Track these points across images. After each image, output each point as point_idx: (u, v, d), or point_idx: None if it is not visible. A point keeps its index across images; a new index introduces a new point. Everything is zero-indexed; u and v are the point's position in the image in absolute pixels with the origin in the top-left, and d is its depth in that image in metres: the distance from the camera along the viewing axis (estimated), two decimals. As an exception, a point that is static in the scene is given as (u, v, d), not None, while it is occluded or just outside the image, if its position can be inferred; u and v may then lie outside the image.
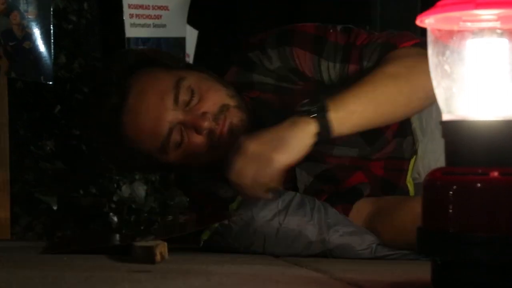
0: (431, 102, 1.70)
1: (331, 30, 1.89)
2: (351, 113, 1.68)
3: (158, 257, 1.48)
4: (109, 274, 1.32)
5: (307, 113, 1.65)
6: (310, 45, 1.87)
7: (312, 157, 1.76)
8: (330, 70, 1.86)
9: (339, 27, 1.90)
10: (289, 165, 1.65)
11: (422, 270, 1.27)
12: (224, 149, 1.79)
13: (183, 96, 1.82)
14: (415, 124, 1.90)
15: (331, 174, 1.91)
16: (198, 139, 1.83)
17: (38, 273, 1.33)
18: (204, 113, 1.82)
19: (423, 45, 1.71)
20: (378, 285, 1.34)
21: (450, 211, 1.10)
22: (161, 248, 1.50)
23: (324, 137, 1.66)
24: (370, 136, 1.87)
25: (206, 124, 1.82)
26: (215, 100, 1.84)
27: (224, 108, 1.84)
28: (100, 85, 1.90)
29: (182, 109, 1.82)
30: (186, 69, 1.91)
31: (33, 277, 1.27)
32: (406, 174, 1.89)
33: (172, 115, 1.81)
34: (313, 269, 1.51)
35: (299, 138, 1.64)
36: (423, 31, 1.19)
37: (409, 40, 1.82)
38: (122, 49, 2.13)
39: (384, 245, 1.77)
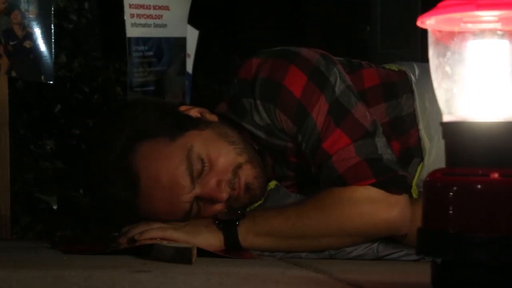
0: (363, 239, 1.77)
1: (319, 99, 1.76)
2: (261, 241, 1.75)
3: (194, 258, 1.54)
4: (109, 274, 1.32)
5: (218, 224, 1.75)
6: (292, 113, 1.77)
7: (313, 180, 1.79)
8: (302, 146, 1.79)
9: (329, 97, 1.77)
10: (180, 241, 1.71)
11: (422, 270, 1.27)
12: (241, 206, 1.81)
13: (196, 166, 1.76)
14: (422, 132, 1.87)
15: None
16: (217, 206, 1.79)
17: (38, 273, 1.33)
18: (218, 183, 1.76)
19: (379, 185, 1.70)
20: (378, 285, 1.34)
21: (450, 211, 1.11)
22: (194, 249, 1.55)
23: (233, 245, 1.74)
24: None
25: (223, 196, 1.76)
26: (227, 166, 1.78)
27: (237, 170, 1.78)
28: (106, 179, 1.77)
29: (196, 182, 1.75)
30: (187, 131, 1.79)
31: (33, 277, 1.28)
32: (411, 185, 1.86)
33: (189, 196, 1.76)
34: (313, 269, 1.51)
35: (202, 238, 1.73)
36: (423, 32, 1.19)
37: (363, 179, 1.71)
38: (110, 123, 1.89)
39: (387, 244, 1.77)
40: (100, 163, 1.78)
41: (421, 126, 1.87)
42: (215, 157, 1.77)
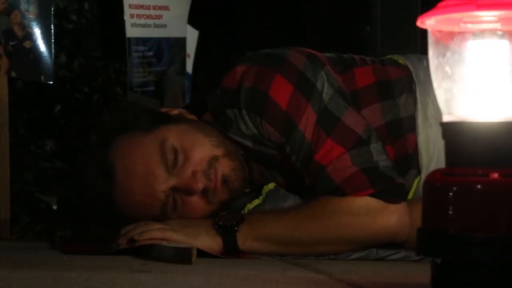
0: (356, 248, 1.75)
1: (306, 109, 1.73)
2: (259, 246, 1.74)
3: (194, 258, 1.54)
4: (109, 274, 1.32)
5: (218, 228, 1.74)
6: (279, 125, 1.75)
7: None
8: (292, 158, 1.77)
9: (317, 106, 1.73)
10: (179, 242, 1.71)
11: (422, 270, 1.27)
12: (221, 201, 1.79)
13: (169, 157, 1.75)
14: (421, 146, 1.82)
15: None
16: (193, 199, 1.78)
17: (38, 273, 1.33)
18: (194, 173, 1.76)
19: (377, 195, 1.68)
20: (378, 285, 1.34)
21: (450, 212, 1.11)
22: (194, 249, 1.56)
23: (232, 249, 1.74)
24: None
25: (198, 185, 1.75)
26: (202, 156, 1.77)
27: (213, 161, 1.77)
28: (83, 171, 1.81)
29: (171, 173, 1.75)
30: (164, 125, 1.80)
31: (33, 277, 1.28)
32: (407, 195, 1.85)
33: (164, 185, 1.75)
34: (313, 270, 1.51)
35: (201, 240, 1.71)
36: (423, 32, 1.19)
37: (361, 189, 1.69)
38: (93, 115, 2.00)
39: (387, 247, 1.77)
40: (80, 158, 1.84)
41: (420, 138, 1.82)
42: (189, 148, 1.78)
